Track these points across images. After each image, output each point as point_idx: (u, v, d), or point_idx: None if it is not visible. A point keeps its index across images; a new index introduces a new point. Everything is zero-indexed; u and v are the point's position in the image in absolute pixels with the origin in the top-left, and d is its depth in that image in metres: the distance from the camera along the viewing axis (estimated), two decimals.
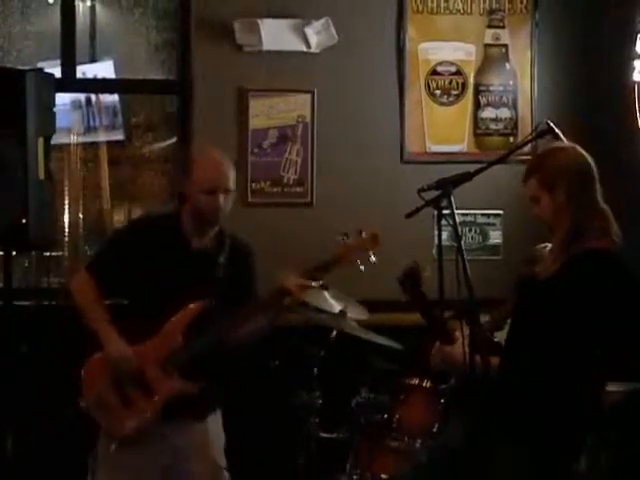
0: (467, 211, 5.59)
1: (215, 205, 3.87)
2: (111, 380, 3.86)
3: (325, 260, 3.92)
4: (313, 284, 3.91)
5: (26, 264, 6.04)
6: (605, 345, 3.43)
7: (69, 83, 5.62)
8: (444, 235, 3.81)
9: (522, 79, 5.78)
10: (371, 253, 3.93)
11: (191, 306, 3.86)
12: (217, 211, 3.89)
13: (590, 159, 3.58)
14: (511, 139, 5.75)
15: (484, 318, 3.71)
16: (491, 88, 5.79)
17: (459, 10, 5.72)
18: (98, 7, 6.35)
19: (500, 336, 3.66)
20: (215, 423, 4.04)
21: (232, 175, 3.93)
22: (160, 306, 3.84)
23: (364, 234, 3.95)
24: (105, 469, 3.96)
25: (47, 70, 5.25)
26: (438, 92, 5.73)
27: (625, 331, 3.46)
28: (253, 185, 5.54)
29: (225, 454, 4.04)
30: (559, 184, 3.49)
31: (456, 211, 3.64)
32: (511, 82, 5.79)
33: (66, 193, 6.32)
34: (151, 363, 3.85)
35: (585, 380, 3.42)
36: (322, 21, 5.52)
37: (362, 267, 3.92)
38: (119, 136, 6.54)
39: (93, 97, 6.38)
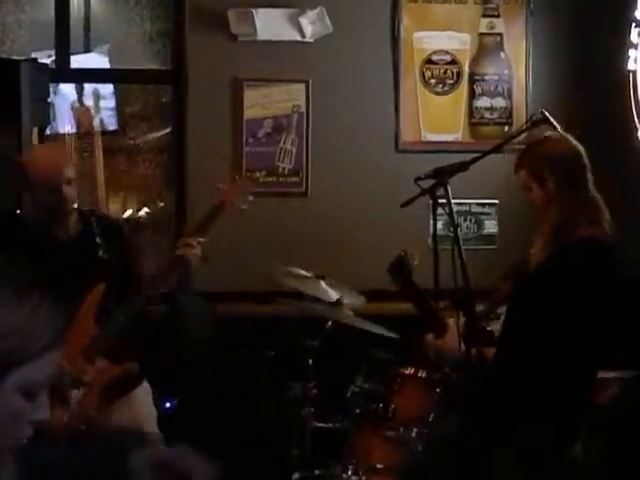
0: (462, 200, 5.57)
1: (64, 198, 3.85)
2: None
3: (206, 212, 3.96)
4: (203, 239, 3.92)
5: None
6: (596, 334, 3.44)
7: (63, 73, 5.60)
8: (439, 224, 3.82)
9: (517, 68, 5.77)
10: (249, 194, 4.08)
11: (92, 292, 3.82)
12: (67, 203, 3.86)
13: (581, 148, 3.58)
14: (506, 128, 5.74)
15: (479, 308, 3.72)
16: (486, 77, 5.77)
17: None
18: None
19: (495, 327, 3.66)
20: (144, 396, 4.07)
21: (68, 163, 3.92)
22: None
23: (238, 177, 4.11)
24: None
25: (41, 60, 5.24)
26: (433, 81, 5.71)
27: (616, 320, 3.47)
28: (248, 175, 5.53)
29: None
30: (548, 175, 3.50)
31: (452, 200, 3.64)
32: (506, 71, 5.77)
33: None
34: (74, 359, 3.78)
35: (577, 372, 3.42)
36: (317, 10, 5.51)
37: (244, 206, 4.04)
38: (114, 126, 6.53)
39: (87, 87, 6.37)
